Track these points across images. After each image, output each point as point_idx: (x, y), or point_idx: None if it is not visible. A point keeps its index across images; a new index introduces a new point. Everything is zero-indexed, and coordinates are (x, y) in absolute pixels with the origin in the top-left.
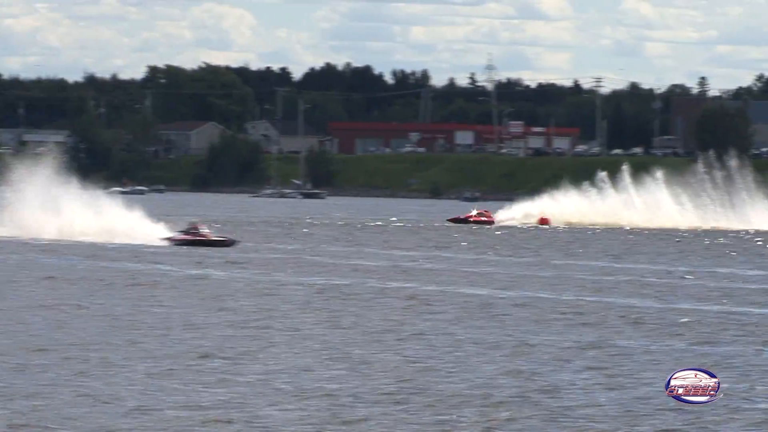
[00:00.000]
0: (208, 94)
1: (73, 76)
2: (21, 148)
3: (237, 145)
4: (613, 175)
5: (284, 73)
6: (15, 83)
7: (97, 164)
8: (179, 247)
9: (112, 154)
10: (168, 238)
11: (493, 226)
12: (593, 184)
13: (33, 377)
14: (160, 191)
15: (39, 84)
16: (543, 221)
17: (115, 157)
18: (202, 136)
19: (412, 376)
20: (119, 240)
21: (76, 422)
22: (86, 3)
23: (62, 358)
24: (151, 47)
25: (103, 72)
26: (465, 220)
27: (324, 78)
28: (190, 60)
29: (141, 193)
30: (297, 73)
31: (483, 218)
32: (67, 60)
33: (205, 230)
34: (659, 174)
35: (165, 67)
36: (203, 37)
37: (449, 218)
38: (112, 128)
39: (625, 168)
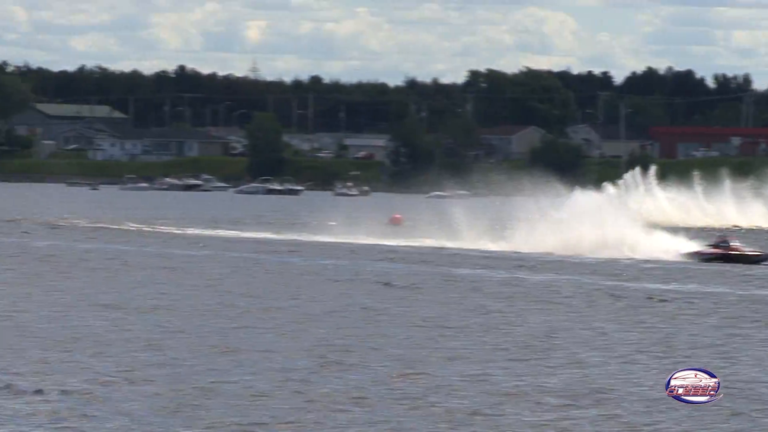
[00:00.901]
0: (529, 98)
1: (394, 80)
2: (341, 152)
3: (558, 149)
4: None
5: (605, 77)
6: (336, 87)
7: (417, 169)
8: (708, 263)
9: (433, 158)
10: (694, 253)
11: None
12: None
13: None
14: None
15: (360, 88)
16: None
17: (437, 162)
18: (523, 141)
19: None
20: (616, 253)
21: None
22: (407, 7)
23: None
24: (472, 51)
25: (424, 76)
26: None
27: (645, 82)
28: (511, 64)
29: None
30: (618, 77)
31: None
32: (387, 64)
33: (736, 243)
34: None
35: (486, 72)
36: (524, 42)
37: None
38: (433, 132)
39: None
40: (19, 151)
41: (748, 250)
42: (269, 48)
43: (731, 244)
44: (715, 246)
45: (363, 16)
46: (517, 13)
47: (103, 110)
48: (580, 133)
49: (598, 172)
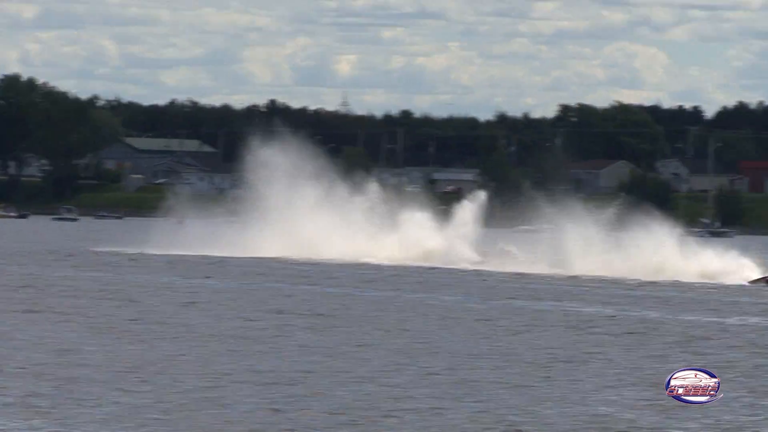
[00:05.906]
0: (620, 133)
1: (484, 115)
2: (429, 187)
3: (646, 184)
4: None
5: (696, 112)
6: (426, 121)
7: (505, 204)
8: None
9: (521, 193)
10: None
11: None
12: None
13: None
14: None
15: (450, 122)
16: None
17: (525, 196)
18: (612, 175)
19: None
20: None
21: None
22: (498, 42)
23: None
24: (562, 86)
25: (515, 110)
26: None
27: (736, 117)
28: (601, 98)
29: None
30: (709, 111)
31: None
32: (478, 98)
33: None
34: None
35: (576, 106)
36: (615, 76)
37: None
38: (523, 167)
39: None
40: (108, 184)
41: None
42: (360, 82)
43: None
44: None
45: (454, 50)
46: (607, 47)
47: (192, 144)
48: (669, 168)
49: (685, 207)
